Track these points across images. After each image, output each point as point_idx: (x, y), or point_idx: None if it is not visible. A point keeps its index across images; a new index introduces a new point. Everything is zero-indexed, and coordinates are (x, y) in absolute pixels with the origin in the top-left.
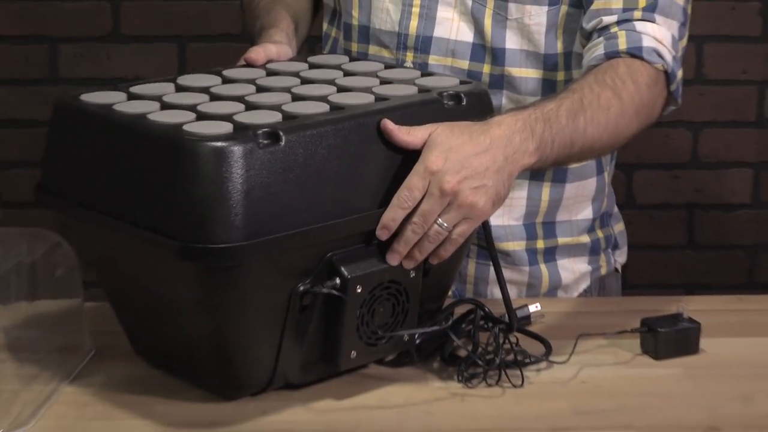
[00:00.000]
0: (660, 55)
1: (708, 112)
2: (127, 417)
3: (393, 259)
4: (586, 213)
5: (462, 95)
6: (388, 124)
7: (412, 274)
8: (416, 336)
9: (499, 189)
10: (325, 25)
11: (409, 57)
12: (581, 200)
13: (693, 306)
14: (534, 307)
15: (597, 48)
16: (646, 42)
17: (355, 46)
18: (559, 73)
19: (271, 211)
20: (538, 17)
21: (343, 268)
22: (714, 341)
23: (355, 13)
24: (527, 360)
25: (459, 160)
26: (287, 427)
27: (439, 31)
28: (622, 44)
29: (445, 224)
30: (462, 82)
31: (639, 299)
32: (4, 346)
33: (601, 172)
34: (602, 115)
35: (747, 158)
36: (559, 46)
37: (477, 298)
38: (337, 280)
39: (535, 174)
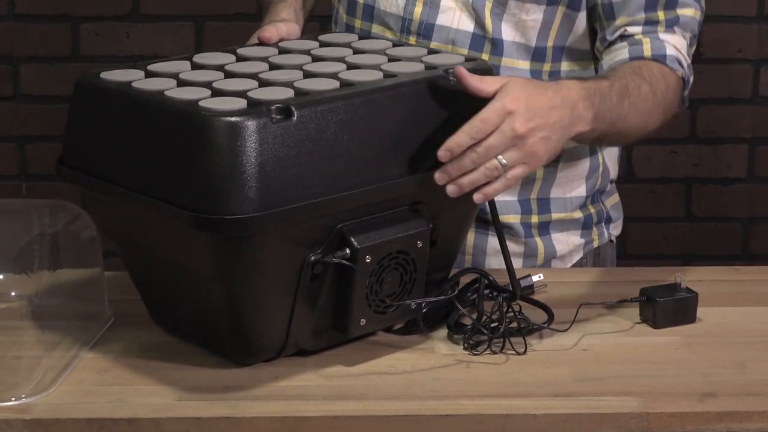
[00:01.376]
0: (680, 64)
1: (705, 90)
2: (145, 382)
3: (441, 179)
4: (580, 191)
5: None
6: (462, 71)
7: (420, 245)
8: (423, 305)
9: (557, 146)
10: None
11: (412, 41)
12: (574, 179)
13: (690, 276)
14: (537, 277)
15: (621, 52)
16: (669, 50)
17: (358, 23)
18: (545, 64)
19: (284, 183)
20: (534, 14)
21: (352, 239)
22: (710, 310)
23: None
24: (530, 328)
25: (535, 109)
26: (299, 391)
27: (441, 19)
28: (647, 51)
29: (504, 161)
30: (467, 60)
31: (638, 270)
32: (27, 313)
33: (595, 152)
34: (641, 104)
35: (742, 134)
36: (550, 41)
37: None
38: (347, 250)
39: None
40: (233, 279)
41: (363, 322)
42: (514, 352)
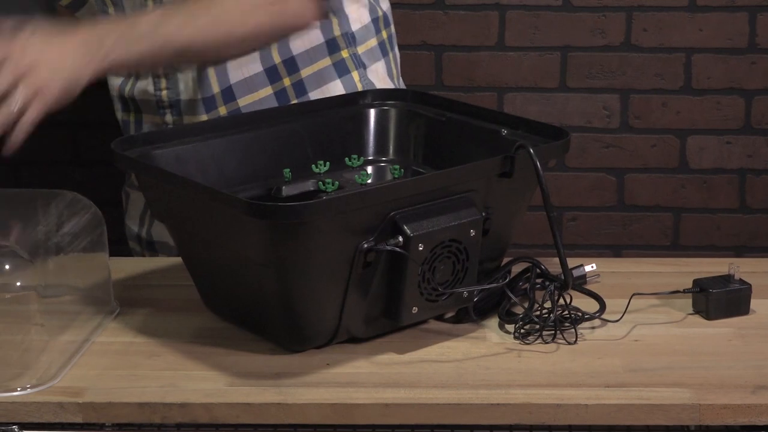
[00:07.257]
0: None
1: (760, 80)
2: (197, 368)
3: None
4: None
5: None
6: None
7: (473, 233)
8: (475, 293)
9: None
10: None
11: None
12: None
13: (744, 268)
14: (590, 267)
15: None
16: None
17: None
18: None
19: None
20: None
21: (405, 227)
22: (764, 302)
23: None
24: (581, 318)
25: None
26: (351, 379)
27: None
28: None
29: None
30: None
31: (691, 260)
32: (34, 302)
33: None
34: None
35: None
36: None
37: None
38: (400, 238)
39: None
40: (286, 266)
41: (415, 309)
42: (565, 341)
